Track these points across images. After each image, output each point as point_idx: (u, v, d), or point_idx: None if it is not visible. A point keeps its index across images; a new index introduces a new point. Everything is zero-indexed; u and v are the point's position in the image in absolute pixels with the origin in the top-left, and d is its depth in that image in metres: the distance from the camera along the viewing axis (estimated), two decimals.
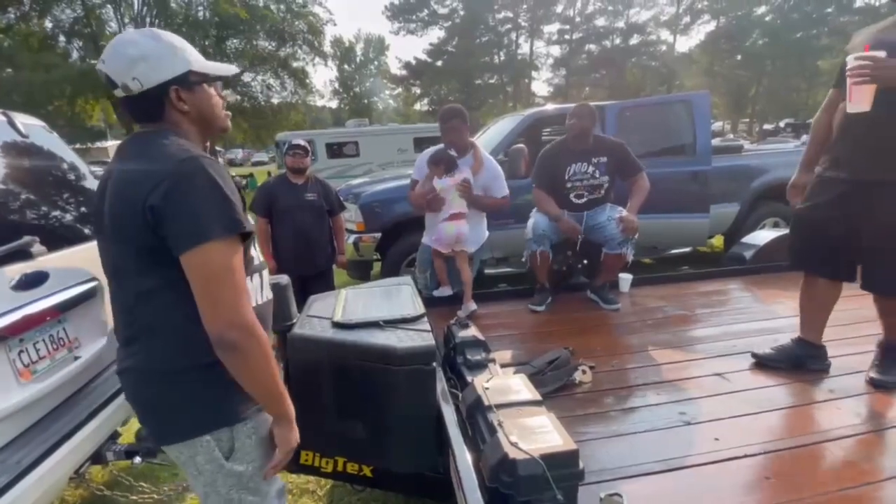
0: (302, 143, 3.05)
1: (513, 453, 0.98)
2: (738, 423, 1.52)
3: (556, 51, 34.96)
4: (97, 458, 1.65)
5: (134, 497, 1.79)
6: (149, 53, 0.90)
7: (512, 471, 0.96)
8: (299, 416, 1.51)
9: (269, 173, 18.13)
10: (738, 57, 30.76)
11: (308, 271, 3.02)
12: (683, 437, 1.44)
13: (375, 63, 38.54)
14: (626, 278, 2.76)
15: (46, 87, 14.04)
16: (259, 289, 1.05)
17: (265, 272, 1.11)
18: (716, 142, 5.11)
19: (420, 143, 13.28)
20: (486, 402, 1.18)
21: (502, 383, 1.27)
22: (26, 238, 1.52)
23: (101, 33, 17.00)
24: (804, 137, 8.75)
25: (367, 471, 1.49)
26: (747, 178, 4.56)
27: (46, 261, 1.57)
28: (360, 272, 4.51)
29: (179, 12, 17.80)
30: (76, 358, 1.65)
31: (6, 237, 1.48)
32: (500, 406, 1.17)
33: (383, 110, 40.56)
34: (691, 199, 4.06)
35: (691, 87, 29.21)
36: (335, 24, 40.11)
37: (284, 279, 1.64)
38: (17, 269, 1.47)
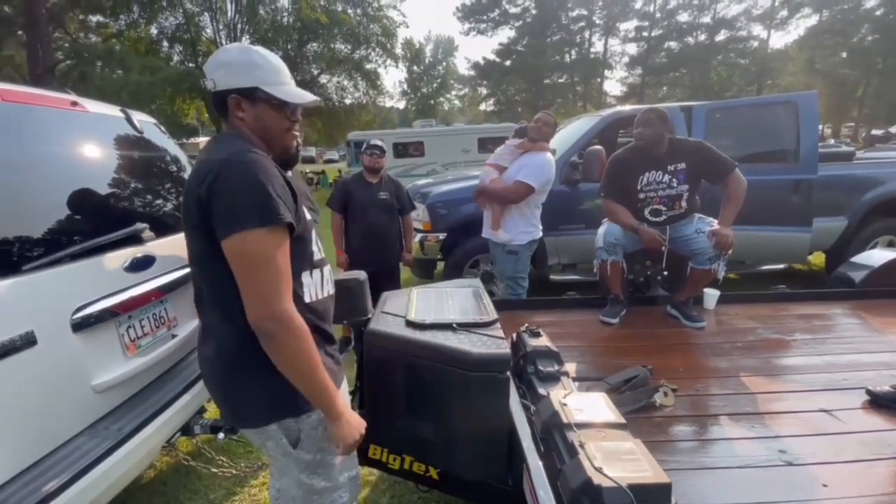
0: (380, 143, 3.14)
1: (597, 479, 0.92)
2: (851, 469, 1.33)
3: (632, 49, 33.37)
4: (186, 429, 1.78)
5: (214, 469, 1.91)
6: (231, 62, 1.02)
7: (596, 498, 0.90)
8: (371, 409, 1.56)
9: (339, 171, 18.99)
10: (844, 54, 27.54)
11: (378, 267, 3.09)
12: (785, 479, 1.29)
13: (444, 64, 38.98)
14: (711, 294, 2.53)
15: (151, 88, 15.65)
16: (320, 284, 1.10)
17: (327, 268, 1.15)
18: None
19: (484, 144, 13.29)
20: (565, 420, 1.12)
21: (582, 400, 1.20)
22: (138, 224, 1.67)
23: (198, 39, 18.66)
24: None
25: (433, 473, 1.47)
26: (858, 190, 4.04)
27: (154, 246, 1.72)
28: (425, 271, 4.56)
29: (267, 19, 19.09)
30: (174, 336, 1.80)
31: (121, 223, 1.64)
32: (580, 425, 1.10)
33: (448, 110, 40.95)
34: (791, 210, 3.66)
35: (786, 87, 26.57)
36: (407, 27, 40.98)
37: (362, 275, 1.68)
38: (129, 253, 1.62)
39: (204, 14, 18.56)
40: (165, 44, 18.71)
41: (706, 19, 30.52)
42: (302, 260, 1.02)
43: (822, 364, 1.96)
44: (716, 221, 2.36)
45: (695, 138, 2.96)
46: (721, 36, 30.22)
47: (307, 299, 1.03)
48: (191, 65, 18.23)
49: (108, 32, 17.02)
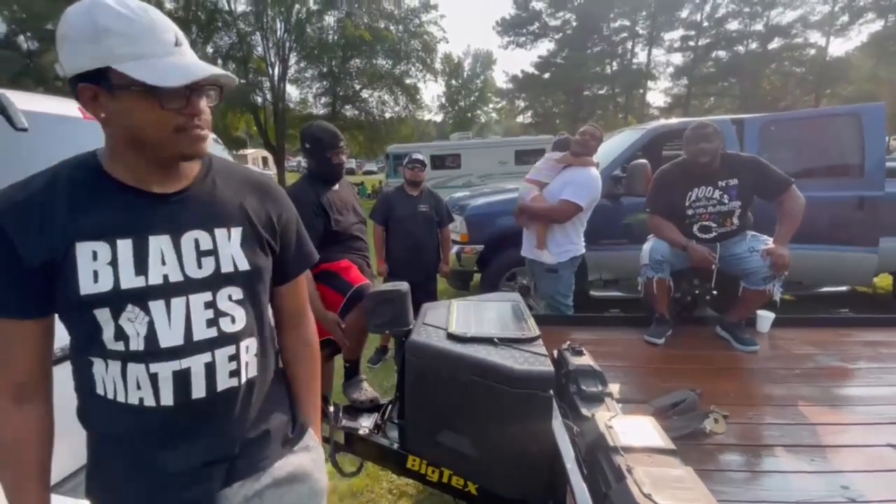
0: (421, 157, 3.21)
1: None
2: None
3: (677, 58, 32.40)
4: None
5: None
6: (70, 33, 0.65)
7: None
8: (411, 420, 1.57)
9: (379, 182, 19.47)
10: None
11: (415, 278, 3.13)
12: None
13: (482, 77, 39.32)
14: (765, 316, 2.40)
15: None
16: (122, 383, 0.73)
17: (182, 364, 0.74)
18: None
19: (521, 156, 13.27)
20: (611, 443, 1.09)
21: (629, 423, 1.17)
22: None
23: (249, 56, 19.76)
24: None
25: (472, 488, 1.47)
26: None
27: None
28: (461, 282, 4.59)
29: (313, 37, 19.98)
30: None
31: None
32: (627, 449, 1.07)
33: (486, 123, 41.18)
34: (855, 229, 3.44)
35: (847, 97, 24.98)
36: (447, 42, 41.73)
37: (405, 286, 1.72)
38: None
39: (255, 33, 19.65)
40: (220, 62, 19.91)
41: (758, 27, 29.27)
42: (91, 343, 0.72)
43: (891, 395, 1.82)
44: (771, 240, 2.25)
45: (748, 153, 2.85)
46: (774, 44, 28.86)
47: (101, 391, 0.75)
48: (242, 81, 19.33)
49: None
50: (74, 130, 1.62)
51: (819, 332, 2.44)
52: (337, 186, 2.20)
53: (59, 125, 1.60)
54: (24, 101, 1.46)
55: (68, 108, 1.65)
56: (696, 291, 2.57)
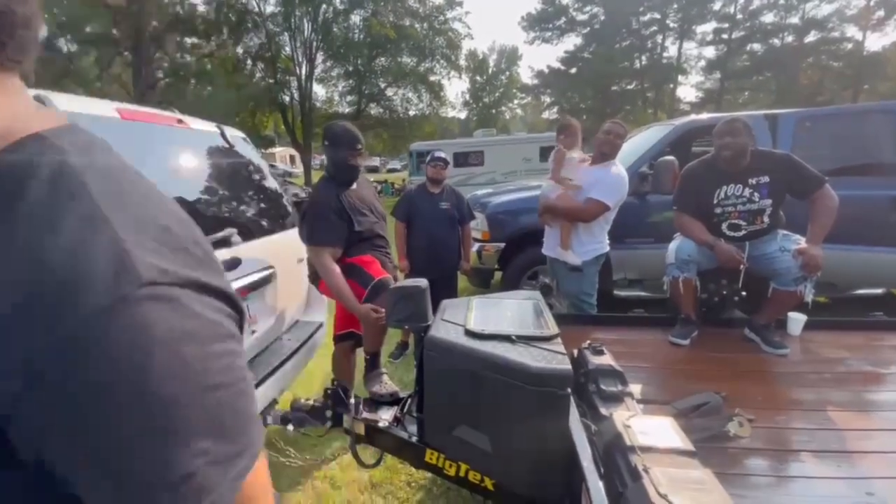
0: (444, 155, 3.24)
1: None
2: None
3: (709, 52, 31.31)
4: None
5: (282, 459, 2.05)
6: None
7: None
8: (429, 414, 1.59)
9: (403, 180, 19.62)
10: None
11: (436, 274, 3.16)
12: None
13: (507, 73, 39.00)
14: (796, 319, 2.32)
15: (236, 103, 17.22)
16: None
17: None
18: None
19: (546, 153, 13.10)
20: (629, 442, 1.08)
21: (647, 423, 1.16)
22: (228, 230, 1.85)
23: (277, 56, 20.17)
24: None
25: (488, 483, 1.48)
26: None
27: (240, 249, 1.90)
28: (482, 280, 4.59)
29: (340, 36, 20.24)
30: (253, 332, 1.96)
31: (214, 228, 1.82)
32: (644, 449, 1.06)
33: (510, 119, 40.87)
34: (891, 229, 3.29)
35: (884, 93, 23.70)
36: (472, 38, 41.56)
37: (424, 283, 1.74)
38: (220, 255, 1.79)
39: (284, 33, 20.05)
40: (249, 62, 20.39)
41: (794, 20, 27.99)
42: None
43: None
44: (803, 239, 2.17)
45: (781, 150, 2.75)
46: (811, 37, 27.55)
47: None
48: (270, 80, 19.76)
49: (201, 53, 18.86)
50: (111, 130, 1.71)
51: (851, 335, 2.34)
52: (355, 185, 2.26)
53: (96, 125, 1.69)
54: (63, 102, 1.54)
55: (105, 108, 1.74)
56: (724, 292, 2.50)
